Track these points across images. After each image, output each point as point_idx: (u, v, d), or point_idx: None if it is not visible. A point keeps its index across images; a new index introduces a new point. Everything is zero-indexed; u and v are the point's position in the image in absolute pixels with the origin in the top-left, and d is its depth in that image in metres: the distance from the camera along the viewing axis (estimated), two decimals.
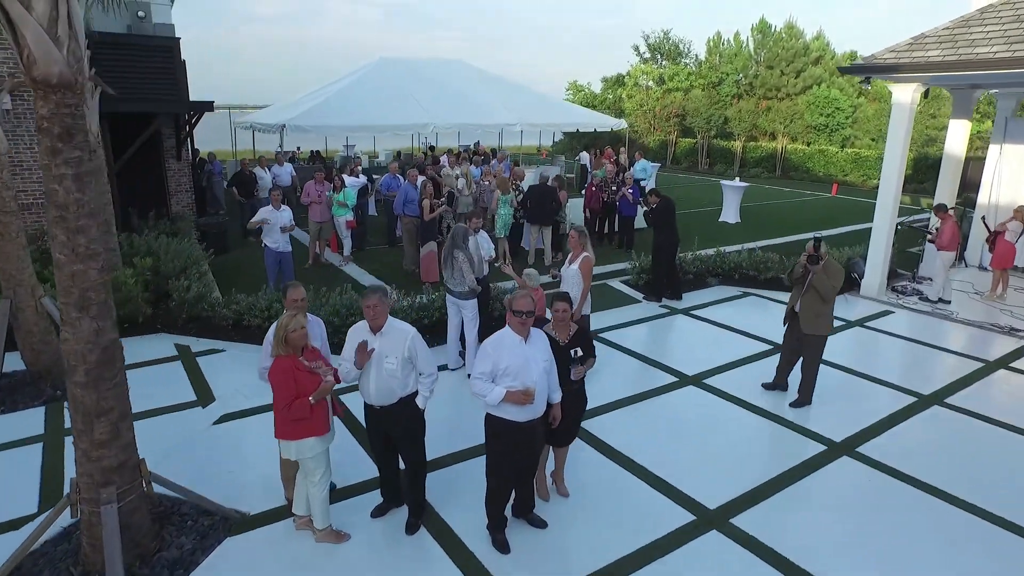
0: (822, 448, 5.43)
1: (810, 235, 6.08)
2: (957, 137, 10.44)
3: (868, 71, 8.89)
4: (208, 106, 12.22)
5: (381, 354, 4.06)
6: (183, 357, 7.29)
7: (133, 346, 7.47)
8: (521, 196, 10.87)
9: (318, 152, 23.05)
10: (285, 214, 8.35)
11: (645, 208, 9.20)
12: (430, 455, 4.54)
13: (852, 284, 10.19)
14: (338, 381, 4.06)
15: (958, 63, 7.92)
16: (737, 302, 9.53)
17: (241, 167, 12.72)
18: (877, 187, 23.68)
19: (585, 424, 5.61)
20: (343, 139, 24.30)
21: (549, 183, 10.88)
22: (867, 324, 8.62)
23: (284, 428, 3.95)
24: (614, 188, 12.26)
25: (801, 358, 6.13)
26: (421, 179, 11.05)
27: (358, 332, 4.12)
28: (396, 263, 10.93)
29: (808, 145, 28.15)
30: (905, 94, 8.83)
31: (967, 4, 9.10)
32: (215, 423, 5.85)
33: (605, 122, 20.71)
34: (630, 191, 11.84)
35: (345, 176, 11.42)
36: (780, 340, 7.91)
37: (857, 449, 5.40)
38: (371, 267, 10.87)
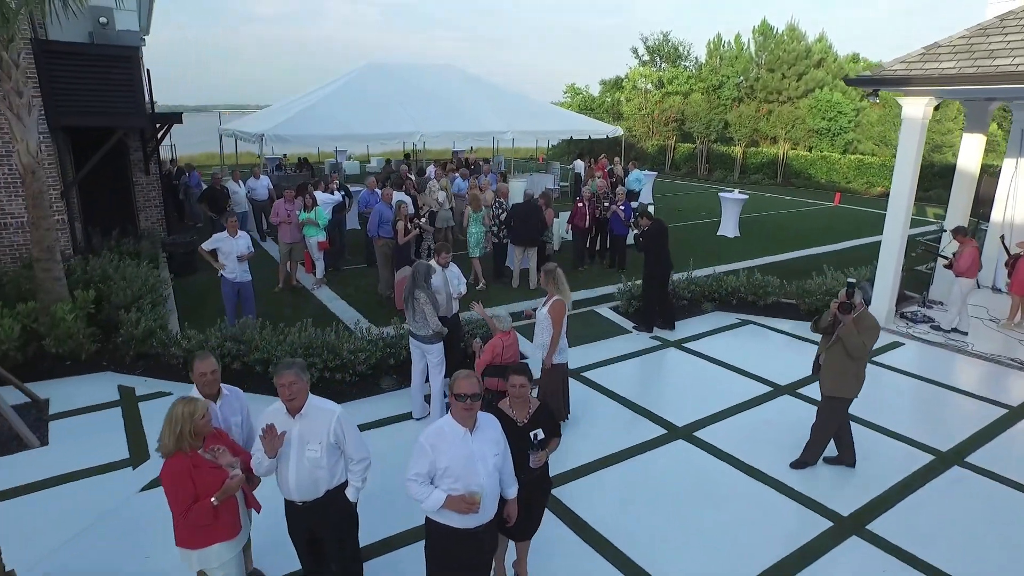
0: (828, 525, 4.74)
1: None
2: (971, 151, 9.74)
3: (876, 83, 8.20)
4: (176, 118, 11.59)
5: (302, 440, 3.40)
6: (124, 402, 6.63)
7: (71, 388, 6.86)
8: (504, 214, 10.20)
9: (305, 159, 22.42)
10: (242, 241, 7.67)
11: (636, 231, 8.52)
12: (384, 530, 3.88)
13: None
14: (249, 475, 3.41)
15: (976, 76, 7.23)
16: (735, 332, 8.85)
17: (212, 182, 12.05)
18: (881, 195, 22.74)
19: (556, 491, 4.95)
20: (333, 145, 23.63)
21: (534, 201, 10.20)
22: (875, 359, 7.91)
23: (183, 535, 3.28)
24: (606, 204, 11.59)
25: (841, 423, 5.35)
26: (397, 197, 10.40)
27: (274, 415, 3.45)
28: (372, 286, 10.25)
29: (810, 150, 27.44)
30: (916, 108, 8.14)
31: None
32: (143, 489, 5.19)
33: (600, 129, 20.01)
34: (622, 208, 11.16)
35: (319, 193, 10.74)
36: (781, 379, 7.30)
37: (868, 527, 4.72)
38: (344, 291, 10.20)
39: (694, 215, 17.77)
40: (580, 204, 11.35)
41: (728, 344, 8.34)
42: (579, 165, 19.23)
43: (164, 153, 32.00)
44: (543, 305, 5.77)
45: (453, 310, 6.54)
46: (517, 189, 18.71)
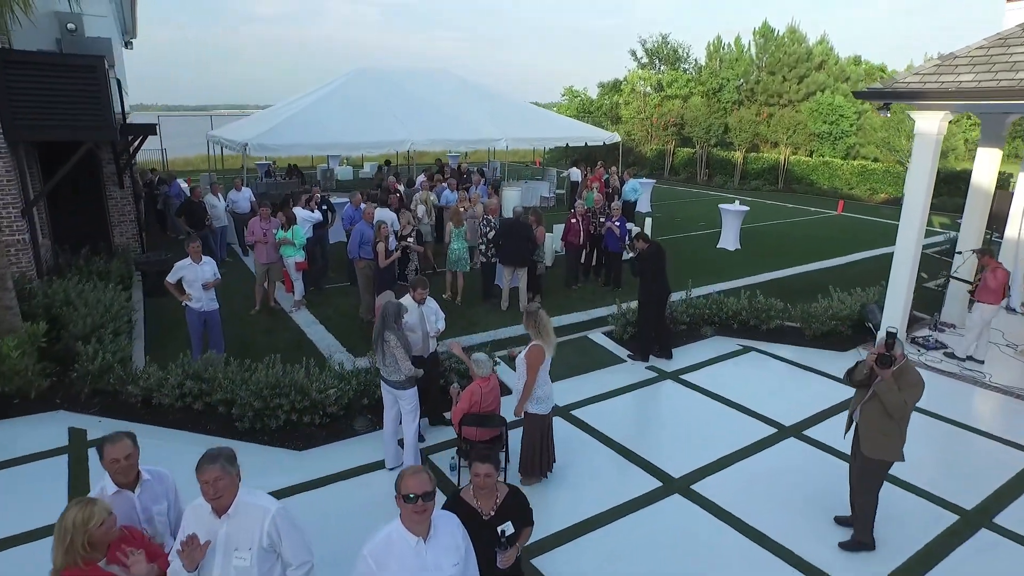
0: None
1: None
2: (986, 166, 9.20)
3: (889, 97, 7.66)
4: (149, 129, 11.05)
5: (228, 545, 2.87)
6: (73, 447, 6.09)
7: (16, 431, 6.31)
8: (492, 232, 9.66)
9: (295, 165, 21.85)
10: (206, 268, 7.13)
11: (631, 254, 8.00)
12: None
13: (865, 334, 8.99)
14: None
15: (997, 91, 6.70)
16: (736, 360, 8.31)
17: (190, 195, 11.52)
18: (885, 202, 22.13)
19: (535, 561, 4.42)
20: (322, 152, 23.09)
21: (524, 218, 9.66)
22: None
23: None
24: (601, 220, 11.06)
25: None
26: (379, 216, 9.88)
27: (197, 514, 2.92)
28: (354, 307, 9.70)
29: (811, 155, 26.91)
30: (931, 123, 7.60)
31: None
32: None
33: (598, 136, 19.50)
34: (617, 223, 10.63)
35: (298, 209, 10.20)
36: (786, 418, 6.76)
37: None
38: (324, 313, 9.67)
39: (693, 226, 17.24)
40: (573, 220, 10.82)
41: (729, 376, 7.81)
42: (575, 173, 18.70)
43: (154, 155, 31.63)
44: (525, 348, 5.24)
45: (430, 349, 6.01)
46: (511, 199, 18.20)
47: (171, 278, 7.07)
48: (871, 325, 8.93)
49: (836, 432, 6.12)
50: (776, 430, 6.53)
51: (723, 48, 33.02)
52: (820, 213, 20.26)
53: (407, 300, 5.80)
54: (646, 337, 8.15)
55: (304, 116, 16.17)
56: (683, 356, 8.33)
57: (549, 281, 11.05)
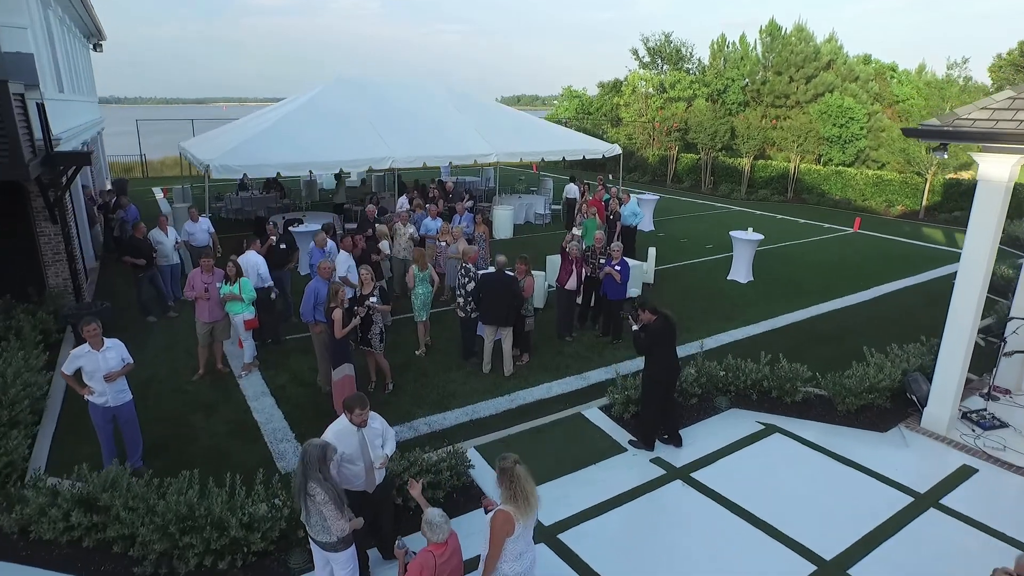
0: None
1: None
2: None
3: (950, 137, 6.31)
4: (81, 159, 9.68)
5: None
6: None
7: None
8: (472, 284, 8.32)
9: (275, 179, 20.41)
10: (110, 355, 5.77)
11: (635, 327, 6.65)
12: None
13: (906, 406, 7.68)
14: None
15: None
16: (757, 447, 6.98)
17: (133, 233, 10.16)
18: (902, 215, 20.57)
19: None
20: (293, 171, 21.69)
21: (510, 268, 8.31)
22: (942, 500, 6.06)
23: None
24: (602, 261, 9.72)
25: None
26: (343, 266, 8.58)
27: None
28: (315, 371, 8.36)
29: (819, 160, 25.48)
30: (1000, 168, 6.25)
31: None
32: None
33: (595, 148, 18.10)
34: (617, 268, 9.28)
35: (249, 254, 8.83)
36: (823, 546, 5.36)
37: None
38: (278, 380, 8.32)
39: (700, 249, 15.89)
40: (571, 260, 9.42)
41: (749, 473, 6.48)
42: (572, 190, 17.33)
43: (134, 159, 30.08)
44: (494, 508, 3.92)
45: (377, 481, 4.68)
46: (503, 218, 16.86)
47: (66, 368, 5.73)
48: (915, 398, 7.61)
49: (893, 570, 4.84)
50: (815, 567, 5.21)
51: (728, 47, 31.57)
52: (835, 231, 18.86)
53: (342, 424, 4.47)
54: (650, 421, 6.83)
55: (276, 131, 14.78)
56: (694, 439, 7.01)
57: (540, 327, 9.73)
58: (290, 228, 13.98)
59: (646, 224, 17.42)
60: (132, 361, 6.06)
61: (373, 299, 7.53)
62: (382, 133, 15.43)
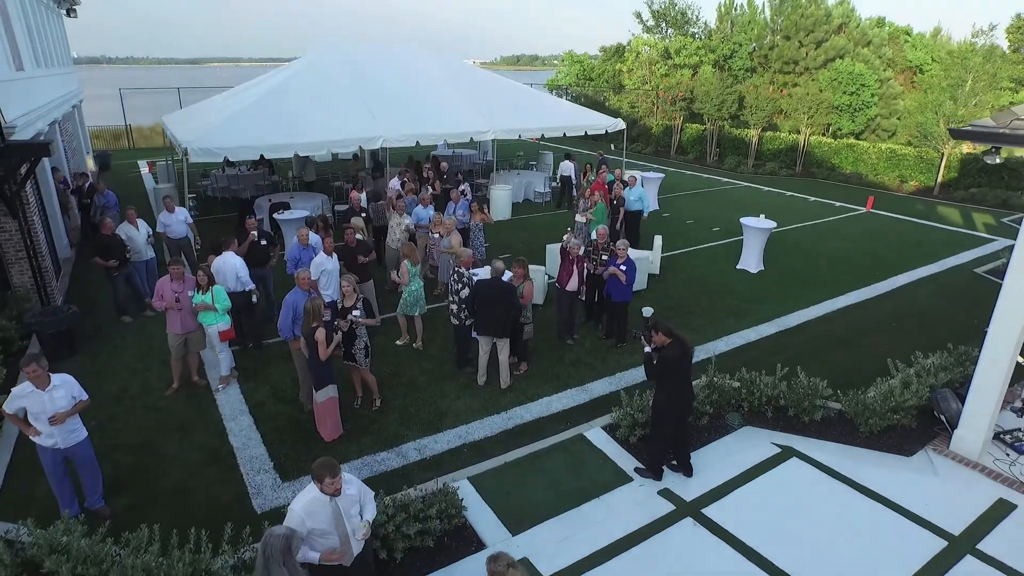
0: None
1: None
2: None
3: (1007, 141, 5.57)
4: (39, 150, 8.90)
5: None
6: None
7: None
8: (466, 290, 7.67)
9: (263, 156, 19.45)
10: (58, 394, 5.14)
11: (647, 349, 6.03)
12: None
13: (933, 424, 7.14)
14: None
15: None
16: (773, 474, 6.45)
17: (102, 229, 9.44)
18: (916, 191, 19.73)
19: None
20: (276, 153, 20.68)
21: (505, 277, 7.65)
22: (980, 546, 5.55)
23: None
24: (604, 258, 9.06)
25: None
26: (321, 268, 7.93)
27: None
28: (297, 383, 7.79)
29: (828, 130, 24.47)
30: None
31: None
32: None
33: (598, 123, 17.17)
34: (622, 267, 8.62)
35: (227, 255, 8.14)
36: None
37: None
38: (260, 394, 7.75)
39: (707, 232, 15.18)
40: (571, 259, 8.75)
41: (765, 508, 5.96)
42: (567, 167, 16.50)
43: (118, 126, 28.89)
44: None
45: (356, 552, 4.13)
46: (501, 199, 16.09)
47: (8, 407, 5.12)
48: (944, 418, 7.06)
49: None
50: None
51: (735, 9, 30.14)
52: (847, 210, 18.08)
53: (312, 495, 3.89)
54: (659, 450, 6.29)
55: (259, 108, 13.91)
56: (706, 464, 6.49)
57: (540, 326, 9.13)
58: (275, 216, 13.28)
59: (650, 203, 16.63)
60: (86, 397, 5.44)
61: (356, 312, 6.91)
62: (373, 110, 14.53)
